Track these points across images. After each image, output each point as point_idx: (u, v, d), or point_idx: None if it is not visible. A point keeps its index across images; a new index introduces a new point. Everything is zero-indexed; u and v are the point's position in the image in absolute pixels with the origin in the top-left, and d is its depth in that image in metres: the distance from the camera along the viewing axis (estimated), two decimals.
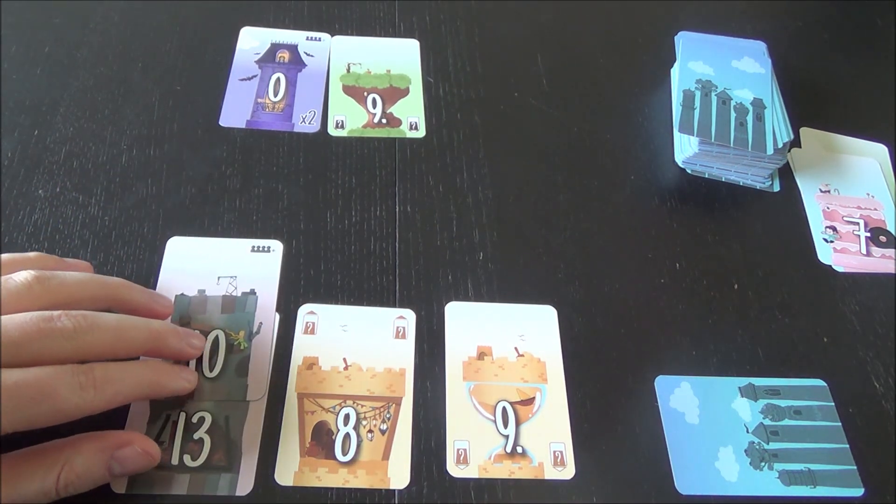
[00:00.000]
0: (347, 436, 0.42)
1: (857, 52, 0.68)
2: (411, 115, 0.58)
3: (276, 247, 0.49)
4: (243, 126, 0.55)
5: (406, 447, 0.42)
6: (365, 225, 0.51)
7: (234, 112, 0.56)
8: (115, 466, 0.36)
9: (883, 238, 0.55)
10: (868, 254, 0.54)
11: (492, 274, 0.50)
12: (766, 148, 0.54)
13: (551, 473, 0.42)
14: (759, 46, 0.63)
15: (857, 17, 0.72)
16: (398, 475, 0.41)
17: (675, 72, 0.61)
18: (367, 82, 0.59)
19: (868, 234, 0.55)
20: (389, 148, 0.56)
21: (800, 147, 0.60)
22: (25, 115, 0.54)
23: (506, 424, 0.44)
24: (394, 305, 0.48)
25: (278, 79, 0.58)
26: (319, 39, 0.62)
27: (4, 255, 0.39)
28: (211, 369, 0.44)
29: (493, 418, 0.44)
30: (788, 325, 0.50)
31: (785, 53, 0.65)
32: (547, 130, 0.58)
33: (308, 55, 0.60)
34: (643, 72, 0.63)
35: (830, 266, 0.53)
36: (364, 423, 0.43)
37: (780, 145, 0.54)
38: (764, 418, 0.46)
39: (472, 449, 0.42)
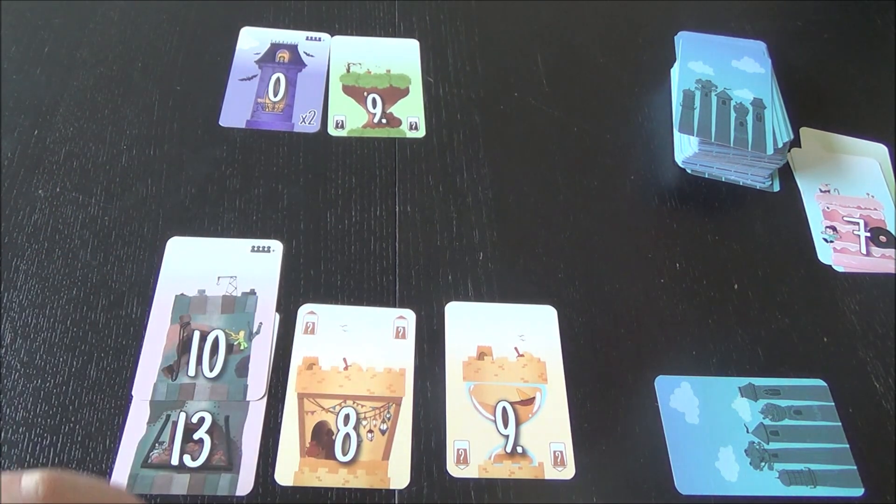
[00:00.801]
0: (347, 436, 0.42)
1: (857, 52, 0.68)
2: (411, 115, 0.58)
3: (276, 247, 0.49)
4: (243, 126, 0.55)
5: (406, 447, 0.42)
6: (365, 225, 0.51)
7: (234, 112, 0.56)
8: None
9: (883, 238, 0.55)
10: (868, 254, 0.54)
11: (492, 274, 0.50)
12: (766, 148, 0.54)
13: (551, 473, 0.42)
14: (759, 46, 0.63)
15: (857, 17, 0.72)
16: (398, 475, 0.41)
17: (675, 72, 0.61)
18: (367, 82, 0.59)
19: (868, 234, 0.55)
20: (389, 148, 0.56)
21: (800, 147, 0.60)
22: (25, 115, 0.54)
23: (506, 424, 0.44)
24: (394, 305, 0.48)
25: (278, 79, 0.58)
26: (319, 39, 0.62)
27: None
28: (211, 369, 0.44)
29: (493, 418, 0.44)
30: (788, 325, 0.50)
31: (785, 53, 0.65)
32: (547, 130, 0.58)
33: (308, 55, 0.60)
34: (643, 72, 0.63)
35: (830, 266, 0.53)
36: (364, 423, 0.43)
37: (780, 145, 0.54)
38: (764, 418, 0.46)
39: (472, 449, 0.42)
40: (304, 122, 0.56)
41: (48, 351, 0.44)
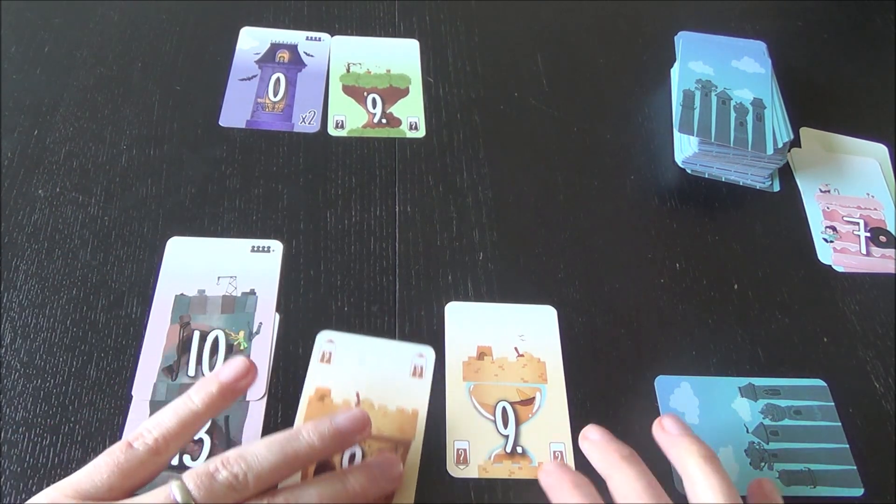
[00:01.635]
0: None
1: (857, 52, 0.68)
2: (411, 115, 0.58)
3: (276, 247, 0.49)
4: (243, 126, 0.55)
5: (411, 490, 0.41)
6: (365, 225, 0.51)
7: (234, 112, 0.56)
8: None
9: (883, 238, 0.55)
10: (868, 254, 0.54)
11: (492, 274, 0.50)
12: (766, 148, 0.54)
13: None
14: (759, 46, 0.63)
15: (857, 17, 0.72)
16: None
17: (675, 72, 0.61)
18: (367, 82, 0.59)
19: (868, 234, 0.55)
20: (389, 148, 0.56)
21: (800, 147, 0.60)
22: (25, 115, 0.54)
23: (506, 424, 0.44)
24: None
25: (278, 79, 0.58)
26: (319, 39, 0.62)
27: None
28: (211, 369, 0.44)
29: (493, 418, 0.44)
30: (788, 325, 0.50)
31: (785, 53, 0.65)
32: (547, 130, 0.58)
33: (308, 55, 0.60)
34: (643, 72, 0.63)
35: (830, 266, 0.53)
36: None
37: (780, 145, 0.54)
38: (764, 418, 0.46)
39: (472, 449, 0.42)
40: (304, 122, 0.56)
41: (48, 351, 0.44)
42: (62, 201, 0.50)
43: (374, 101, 0.58)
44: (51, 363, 0.43)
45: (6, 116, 0.54)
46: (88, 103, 0.55)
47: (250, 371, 0.39)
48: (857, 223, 0.56)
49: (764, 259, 0.53)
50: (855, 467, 0.44)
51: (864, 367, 0.49)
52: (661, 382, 0.46)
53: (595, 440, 0.41)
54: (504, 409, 0.44)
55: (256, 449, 0.35)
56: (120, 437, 0.41)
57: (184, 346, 0.44)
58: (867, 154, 0.61)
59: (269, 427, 0.42)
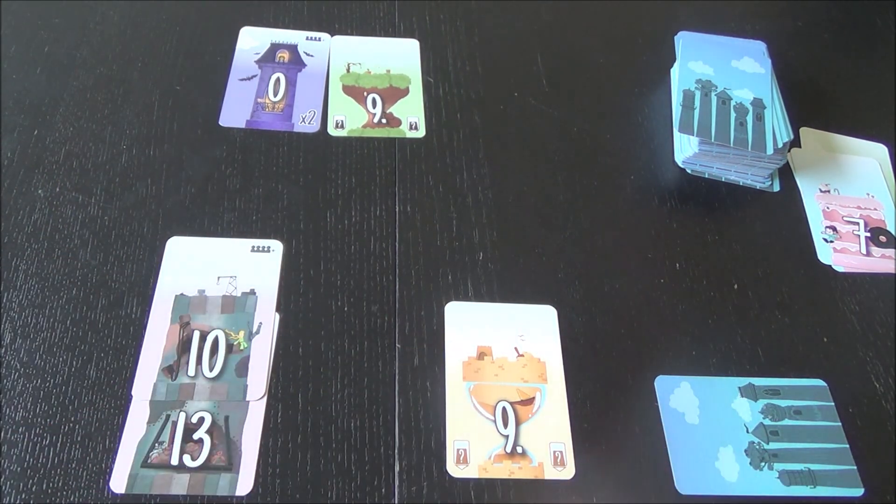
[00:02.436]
0: None
1: (857, 52, 0.68)
2: (411, 115, 0.58)
3: (276, 247, 0.49)
4: (243, 126, 0.55)
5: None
6: (365, 225, 0.51)
7: (234, 112, 0.56)
8: None
9: (883, 238, 0.55)
10: (868, 254, 0.54)
11: (492, 274, 0.50)
12: (766, 148, 0.54)
13: (551, 473, 0.42)
14: (759, 46, 0.63)
15: (857, 17, 0.72)
16: None
17: (675, 72, 0.61)
18: (367, 82, 0.59)
19: (868, 234, 0.55)
20: (389, 148, 0.56)
21: (800, 147, 0.60)
22: (25, 115, 0.54)
23: (506, 424, 0.44)
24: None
25: (278, 79, 0.58)
26: (319, 39, 0.62)
27: None
28: (211, 369, 0.44)
29: (492, 418, 0.44)
30: (788, 325, 0.50)
31: (785, 53, 0.65)
32: (547, 130, 0.58)
33: (308, 55, 0.60)
34: (643, 72, 0.63)
35: (830, 266, 0.53)
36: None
37: (780, 145, 0.54)
38: (764, 418, 0.46)
39: (472, 449, 0.42)
40: (304, 122, 0.56)
41: (48, 351, 0.44)
42: (62, 201, 0.50)
43: (374, 101, 0.58)
44: (51, 363, 0.43)
45: (6, 116, 0.54)
46: (88, 103, 0.55)
47: None
48: (857, 223, 0.56)
49: (764, 259, 0.53)
50: (855, 467, 0.44)
51: (864, 367, 0.49)
52: (661, 382, 0.46)
53: None
54: (504, 409, 0.44)
55: None
56: (120, 437, 0.41)
57: (184, 346, 0.44)
58: (867, 154, 0.61)
59: (269, 427, 0.42)
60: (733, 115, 0.56)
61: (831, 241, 0.55)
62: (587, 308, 0.49)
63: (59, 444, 0.41)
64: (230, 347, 0.45)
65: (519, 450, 0.43)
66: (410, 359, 0.46)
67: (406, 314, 0.47)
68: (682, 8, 0.69)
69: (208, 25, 0.61)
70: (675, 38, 0.64)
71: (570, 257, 0.51)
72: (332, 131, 0.56)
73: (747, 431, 0.45)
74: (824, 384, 0.48)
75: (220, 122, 0.55)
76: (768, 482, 0.43)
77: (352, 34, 0.62)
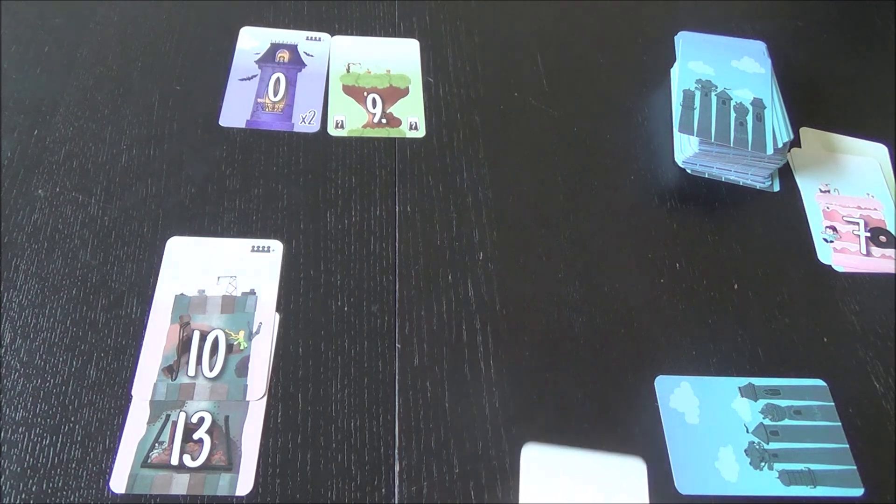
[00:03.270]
0: None
1: (857, 52, 0.68)
2: (411, 115, 0.58)
3: (276, 247, 0.49)
4: (243, 126, 0.55)
5: None
6: (365, 225, 0.51)
7: (234, 112, 0.56)
8: None
9: (883, 238, 0.55)
10: (868, 254, 0.54)
11: (492, 274, 0.50)
12: (766, 148, 0.54)
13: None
14: (759, 46, 0.63)
15: (857, 17, 0.72)
16: None
17: (675, 72, 0.61)
18: (367, 82, 0.59)
19: (868, 234, 0.55)
20: (389, 148, 0.56)
21: (800, 147, 0.60)
22: (25, 115, 0.54)
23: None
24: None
25: (278, 79, 0.58)
26: (319, 39, 0.62)
27: None
28: (211, 369, 0.44)
29: None
30: (788, 325, 0.50)
31: (785, 53, 0.65)
32: (547, 130, 0.58)
33: (308, 55, 0.60)
34: (643, 72, 0.63)
35: (830, 266, 0.53)
36: None
37: (780, 145, 0.54)
38: (764, 418, 0.46)
39: None
40: (304, 122, 0.56)
41: (48, 351, 0.44)
42: (62, 201, 0.50)
43: (374, 101, 0.58)
44: (51, 363, 0.43)
45: (6, 116, 0.54)
46: (88, 103, 0.55)
47: None
48: (857, 223, 0.56)
49: (764, 259, 0.53)
50: (855, 467, 0.44)
51: (864, 367, 0.49)
52: (661, 382, 0.46)
53: None
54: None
55: None
56: (120, 437, 0.41)
57: (184, 346, 0.44)
58: (867, 154, 0.61)
59: (269, 427, 0.42)
60: (733, 115, 0.56)
61: (831, 241, 0.55)
62: (587, 308, 0.49)
63: (59, 444, 0.41)
64: (230, 347, 0.45)
65: None
66: (410, 359, 0.46)
67: (406, 314, 0.47)
68: (682, 8, 0.69)
69: (208, 25, 0.61)
70: (675, 38, 0.63)
71: (570, 257, 0.51)
72: (332, 131, 0.56)
73: (747, 431, 0.45)
74: (824, 384, 0.48)
75: (220, 122, 0.55)
76: (768, 482, 0.43)
77: (352, 34, 0.62)
